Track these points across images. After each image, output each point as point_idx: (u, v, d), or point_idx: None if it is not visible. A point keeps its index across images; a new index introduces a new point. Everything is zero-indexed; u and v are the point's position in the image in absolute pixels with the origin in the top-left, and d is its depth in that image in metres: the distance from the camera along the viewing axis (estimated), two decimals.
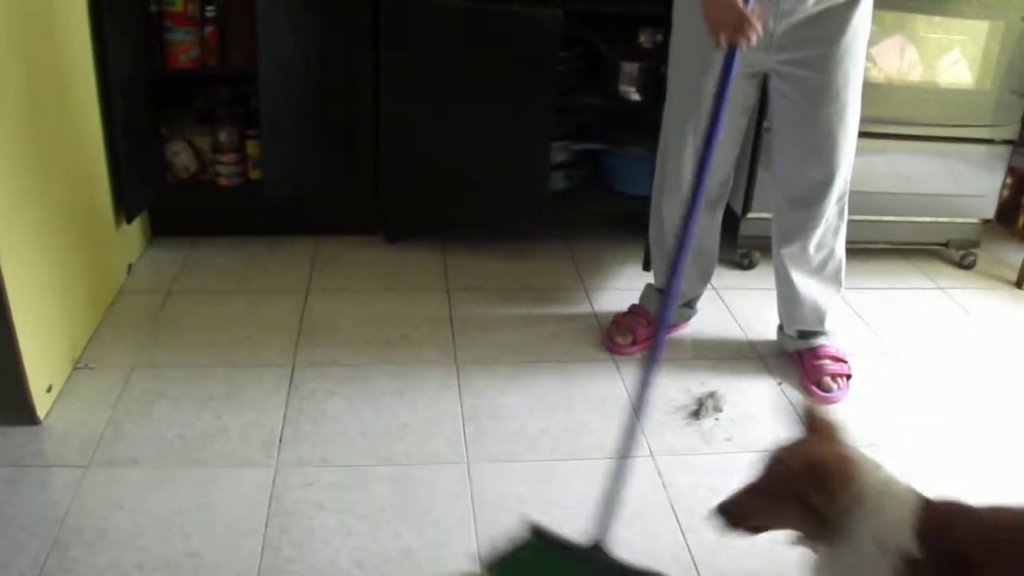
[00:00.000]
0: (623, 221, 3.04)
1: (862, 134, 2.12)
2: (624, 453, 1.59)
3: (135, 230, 2.66)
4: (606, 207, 3.00)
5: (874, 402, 2.23)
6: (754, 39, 1.73)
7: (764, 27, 1.88)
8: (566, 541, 1.57)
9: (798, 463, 1.27)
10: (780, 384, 2.27)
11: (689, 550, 1.72)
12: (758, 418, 2.13)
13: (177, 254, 2.71)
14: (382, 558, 1.65)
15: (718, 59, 2.02)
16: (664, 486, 1.89)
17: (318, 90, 2.60)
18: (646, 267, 2.61)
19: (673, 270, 1.69)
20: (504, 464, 1.92)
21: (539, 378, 2.23)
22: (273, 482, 1.82)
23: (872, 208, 2.80)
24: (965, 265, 2.98)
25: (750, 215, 2.76)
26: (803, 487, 1.23)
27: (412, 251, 2.82)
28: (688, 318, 2.46)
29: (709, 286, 2.47)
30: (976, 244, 2.98)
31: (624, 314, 2.45)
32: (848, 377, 2.26)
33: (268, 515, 1.73)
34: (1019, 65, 2.71)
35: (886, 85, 2.68)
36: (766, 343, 2.44)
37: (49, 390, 2.00)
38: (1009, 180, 3.00)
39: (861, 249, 2.87)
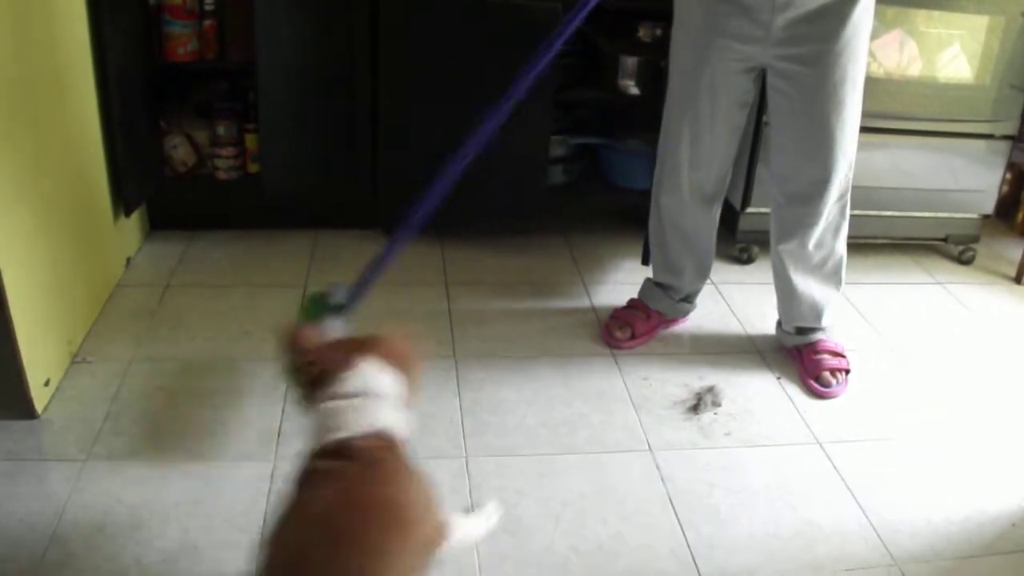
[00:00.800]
0: (622, 215, 3.04)
1: (861, 129, 2.11)
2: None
3: (133, 224, 2.66)
4: (605, 201, 3.00)
5: (873, 397, 2.23)
6: None
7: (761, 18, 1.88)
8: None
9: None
10: (779, 379, 2.27)
11: (688, 544, 1.72)
12: (757, 413, 2.13)
13: (175, 248, 2.71)
14: None
15: (714, 52, 2.02)
16: (662, 480, 1.89)
17: (316, 84, 2.60)
18: (645, 261, 2.61)
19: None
20: (502, 458, 1.92)
21: (538, 372, 2.23)
22: (272, 476, 1.82)
23: (871, 203, 2.80)
24: (964, 260, 2.99)
25: (749, 210, 2.75)
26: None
27: (410, 245, 2.80)
28: (687, 313, 2.46)
29: (708, 281, 2.47)
30: (975, 239, 2.98)
31: (622, 308, 2.45)
32: (847, 372, 2.26)
33: (267, 509, 1.73)
34: (1019, 60, 2.70)
35: (885, 80, 2.68)
36: (765, 338, 2.44)
37: (47, 384, 1.99)
38: (1008, 175, 3.00)
39: (860, 244, 2.87)
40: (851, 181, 2.13)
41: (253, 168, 2.76)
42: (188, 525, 1.68)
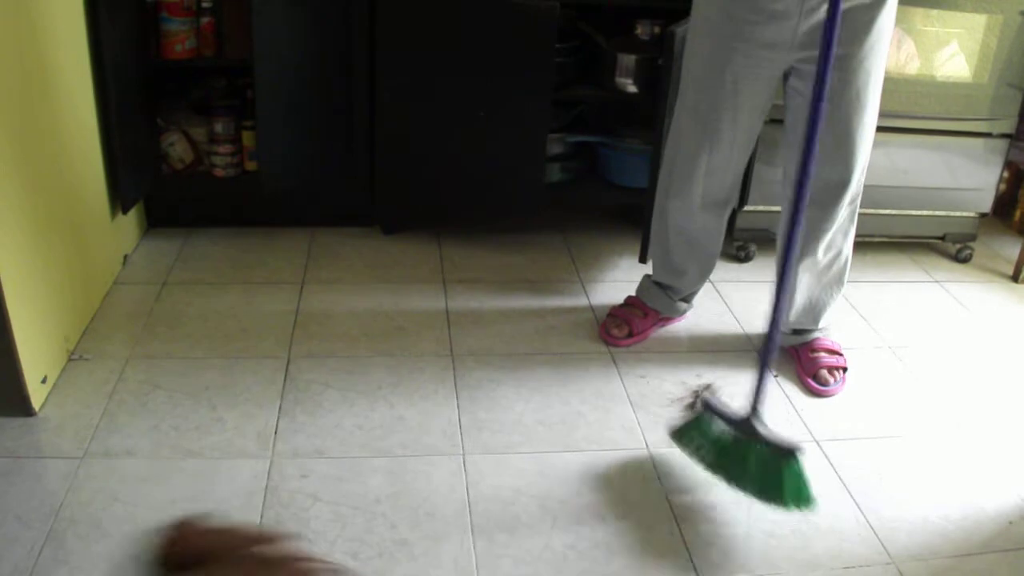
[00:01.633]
0: (620, 213, 3.04)
1: None
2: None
3: (130, 221, 2.65)
4: (603, 199, 3.00)
5: (870, 395, 2.23)
6: None
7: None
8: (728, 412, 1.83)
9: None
10: (776, 377, 2.27)
11: (684, 542, 1.72)
12: None
13: (173, 245, 2.71)
14: (377, 550, 1.65)
15: (739, 60, 1.98)
16: (659, 478, 1.89)
17: (314, 81, 2.60)
18: (642, 259, 2.60)
19: (778, 299, 1.81)
20: (500, 456, 1.92)
21: (535, 370, 2.23)
22: (268, 473, 1.82)
23: (869, 201, 2.77)
24: (961, 259, 2.99)
25: (747, 208, 2.75)
26: None
27: (408, 243, 2.81)
28: (684, 312, 2.46)
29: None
30: (972, 238, 2.98)
31: (620, 306, 2.44)
32: (844, 370, 2.26)
33: (263, 506, 1.73)
34: (1017, 59, 2.70)
35: (884, 78, 2.67)
36: (762, 336, 2.43)
37: (44, 381, 1.99)
38: (1006, 174, 3.00)
39: (858, 242, 2.84)
40: (863, 184, 2.12)
41: (250, 166, 2.76)
42: None
